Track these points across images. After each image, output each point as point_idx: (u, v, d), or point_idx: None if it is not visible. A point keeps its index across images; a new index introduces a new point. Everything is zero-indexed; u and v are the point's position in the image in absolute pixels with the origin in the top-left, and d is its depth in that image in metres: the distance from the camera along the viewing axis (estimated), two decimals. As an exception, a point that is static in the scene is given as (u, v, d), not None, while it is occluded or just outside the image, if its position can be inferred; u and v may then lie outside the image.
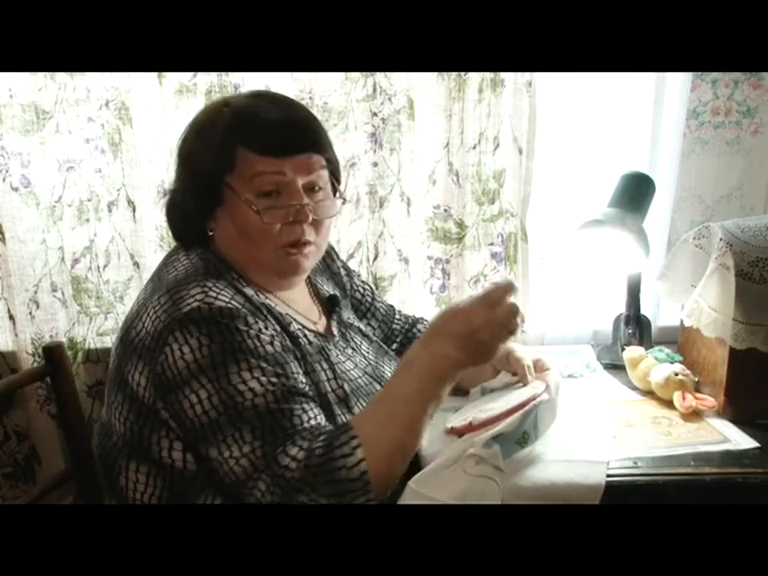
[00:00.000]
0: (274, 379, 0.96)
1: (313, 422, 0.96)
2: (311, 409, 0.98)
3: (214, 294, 0.99)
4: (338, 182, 1.16)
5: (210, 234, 1.10)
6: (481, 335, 0.95)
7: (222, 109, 1.07)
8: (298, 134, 1.07)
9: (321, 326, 1.19)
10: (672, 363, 1.39)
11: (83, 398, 1.56)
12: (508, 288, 0.97)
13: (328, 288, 1.27)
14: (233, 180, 1.05)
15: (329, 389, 1.06)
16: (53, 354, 1.37)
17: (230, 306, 0.98)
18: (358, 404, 1.07)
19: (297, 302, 1.16)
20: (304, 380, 1.02)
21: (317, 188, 1.09)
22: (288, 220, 1.05)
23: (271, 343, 0.99)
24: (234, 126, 1.05)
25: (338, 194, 1.14)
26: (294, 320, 1.10)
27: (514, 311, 0.97)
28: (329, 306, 1.24)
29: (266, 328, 1.00)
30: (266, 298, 1.08)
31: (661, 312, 1.77)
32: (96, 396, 1.61)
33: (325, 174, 1.10)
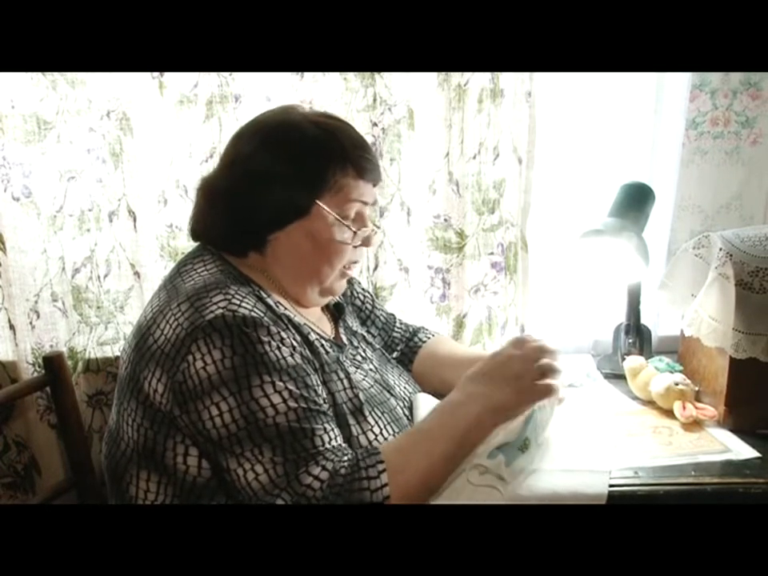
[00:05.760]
0: (296, 392, 0.96)
1: (334, 443, 0.96)
2: (332, 429, 0.98)
3: (237, 302, 0.98)
4: None
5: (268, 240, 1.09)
6: (507, 369, 1.00)
7: (308, 125, 1.07)
8: (377, 163, 1.13)
9: (332, 336, 1.20)
10: (672, 373, 1.39)
11: (83, 408, 1.56)
12: (535, 338, 1.04)
13: None
14: (327, 198, 1.07)
15: (344, 399, 1.06)
16: (53, 363, 1.37)
17: (253, 314, 0.97)
18: (373, 413, 1.07)
19: (310, 313, 1.18)
20: (323, 393, 1.02)
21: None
22: (358, 243, 1.13)
23: (292, 355, 0.99)
24: (336, 147, 1.06)
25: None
26: (312, 330, 1.11)
27: (543, 348, 1.01)
28: (336, 313, 1.26)
29: (288, 337, 1.00)
30: (285, 309, 1.08)
31: (661, 321, 1.77)
32: (96, 406, 1.61)
33: None
